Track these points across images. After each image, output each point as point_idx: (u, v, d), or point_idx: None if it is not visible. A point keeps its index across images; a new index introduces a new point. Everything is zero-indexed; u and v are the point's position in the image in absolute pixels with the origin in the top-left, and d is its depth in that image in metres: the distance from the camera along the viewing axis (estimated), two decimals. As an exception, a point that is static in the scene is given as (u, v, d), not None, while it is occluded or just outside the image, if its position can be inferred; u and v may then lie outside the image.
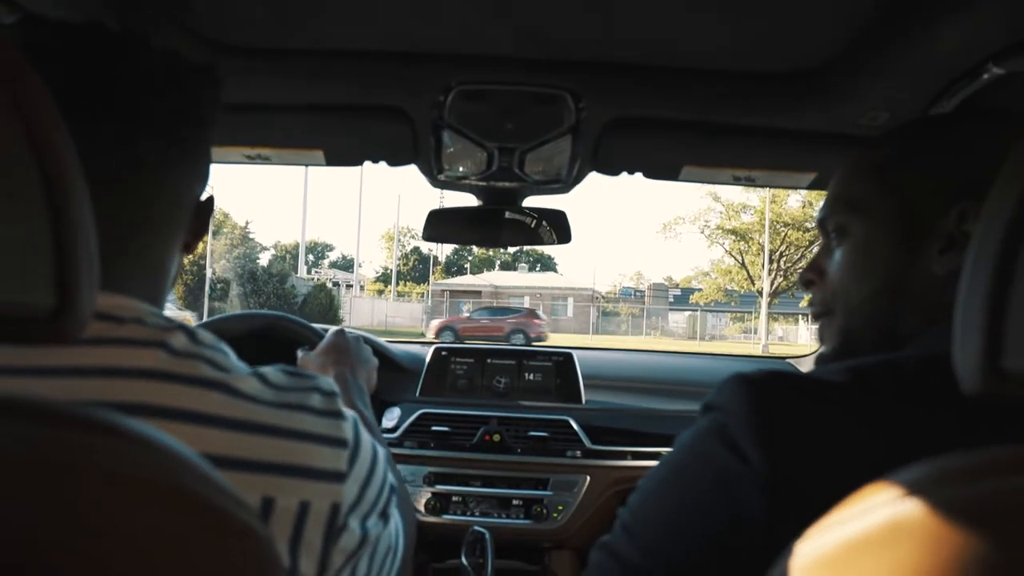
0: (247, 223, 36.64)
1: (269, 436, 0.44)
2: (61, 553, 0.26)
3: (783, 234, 21.12)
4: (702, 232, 23.14)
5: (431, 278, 40.18)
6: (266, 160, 1.23)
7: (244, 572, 0.32)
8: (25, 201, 0.28)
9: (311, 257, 49.22)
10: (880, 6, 0.76)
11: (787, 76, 0.96)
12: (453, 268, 47.75)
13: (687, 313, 31.04)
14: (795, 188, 1.82)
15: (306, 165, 1.32)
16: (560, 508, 1.42)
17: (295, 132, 1.17)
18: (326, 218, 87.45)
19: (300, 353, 0.99)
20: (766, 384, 0.48)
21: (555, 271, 45.89)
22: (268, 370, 0.49)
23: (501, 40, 0.91)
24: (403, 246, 45.43)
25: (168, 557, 0.29)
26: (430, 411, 1.51)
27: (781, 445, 0.45)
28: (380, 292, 39.60)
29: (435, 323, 19.16)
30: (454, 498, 1.44)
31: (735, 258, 23.20)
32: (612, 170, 1.22)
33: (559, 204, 1.38)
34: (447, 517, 1.42)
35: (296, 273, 30.36)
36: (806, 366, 1.71)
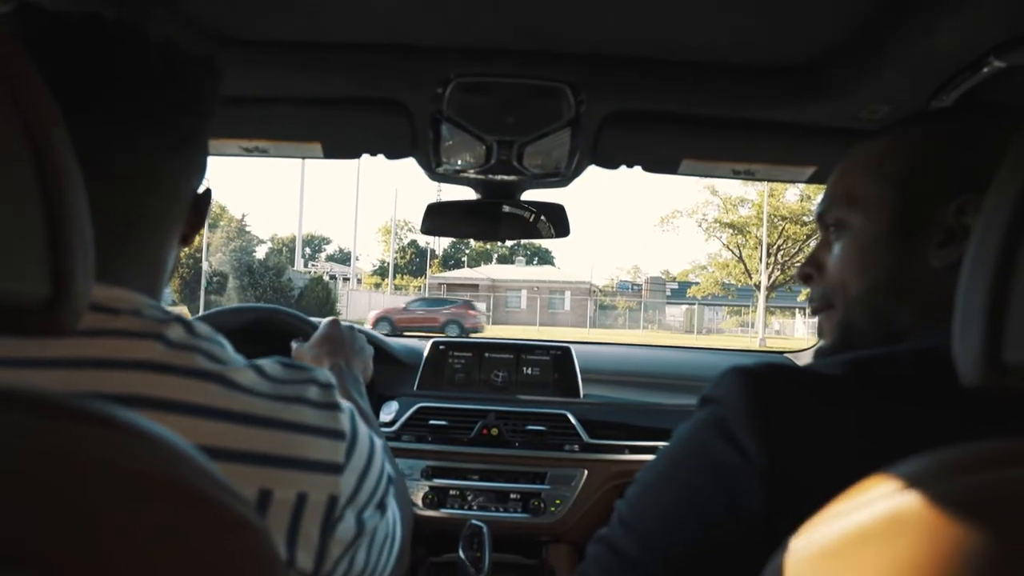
0: (244, 216, 36.67)
1: (266, 428, 0.44)
2: (57, 543, 0.26)
3: (781, 228, 21.14)
4: (699, 225, 23.13)
5: (428, 271, 40.19)
6: (264, 152, 1.22)
7: (240, 564, 0.32)
8: (21, 190, 0.28)
9: (308, 250, 49.16)
10: None
11: (787, 69, 0.95)
12: (450, 262, 47.76)
13: (684, 307, 31.03)
14: (795, 182, 1.82)
15: (304, 158, 1.31)
16: (558, 502, 1.42)
17: (293, 124, 1.16)
18: (323, 211, 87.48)
19: (294, 344, 0.98)
20: (764, 376, 0.48)
21: (552, 265, 45.92)
22: (265, 362, 0.49)
23: (500, 32, 0.90)
24: (400, 239, 45.39)
25: (163, 548, 0.29)
26: (428, 405, 1.51)
27: (779, 437, 0.45)
28: (377, 285, 39.54)
29: (372, 314, 19.63)
30: (452, 492, 1.44)
31: (732, 252, 23.22)
32: (611, 163, 1.22)
33: (557, 197, 1.38)
34: (445, 511, 1.42)
35: (293, 266, 30.32)
36: (803, 361, 1.71)
